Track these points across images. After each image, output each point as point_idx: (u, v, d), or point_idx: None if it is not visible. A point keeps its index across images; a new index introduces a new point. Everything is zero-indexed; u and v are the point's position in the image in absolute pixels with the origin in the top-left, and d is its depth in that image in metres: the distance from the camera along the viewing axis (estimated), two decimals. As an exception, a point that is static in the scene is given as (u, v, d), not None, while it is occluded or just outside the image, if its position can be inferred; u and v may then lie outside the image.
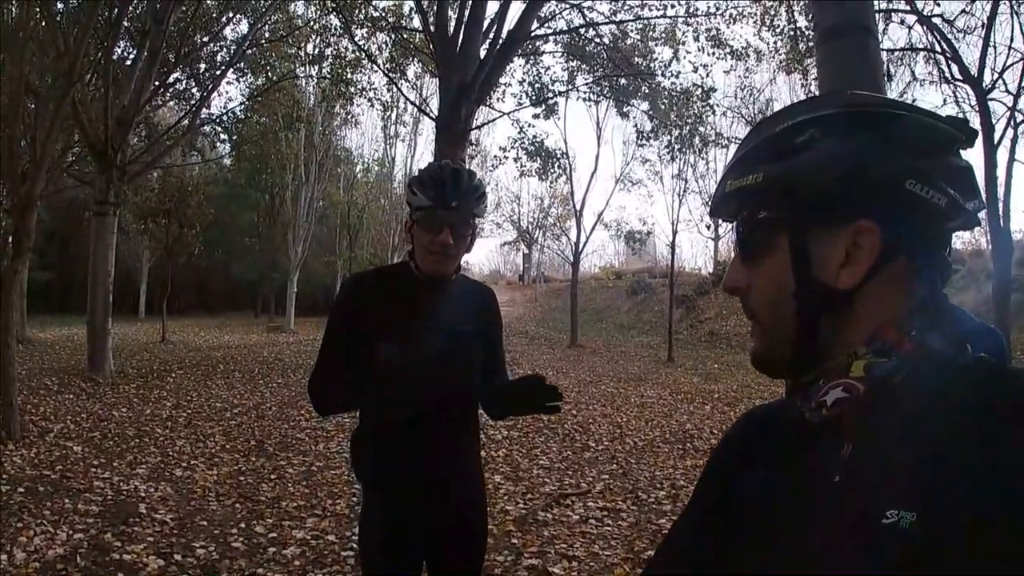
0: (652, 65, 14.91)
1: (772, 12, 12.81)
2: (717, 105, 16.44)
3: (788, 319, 0.77)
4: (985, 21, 10.88)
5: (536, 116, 18.70)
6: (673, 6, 13.75)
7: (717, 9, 13.83)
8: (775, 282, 0.78)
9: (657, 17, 14.10)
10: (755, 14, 13.46)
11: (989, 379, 0.68)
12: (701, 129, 17.47)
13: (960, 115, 0.76)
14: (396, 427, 2.10)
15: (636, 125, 19.71)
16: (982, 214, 0.76)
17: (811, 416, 0.76)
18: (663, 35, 14.77)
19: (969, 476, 0.61)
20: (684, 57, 14.70)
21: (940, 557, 0.60)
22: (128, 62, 14.22)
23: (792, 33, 12.51)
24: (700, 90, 14.88)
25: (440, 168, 2.16)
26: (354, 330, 2.14)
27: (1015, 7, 11.31)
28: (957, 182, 0.73)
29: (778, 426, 0.85)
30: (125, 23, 13.28)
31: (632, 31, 14.92)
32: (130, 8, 13.27)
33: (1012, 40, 11.80)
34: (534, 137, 19.15)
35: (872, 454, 0.70)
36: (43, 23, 9.40)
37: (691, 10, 13.90)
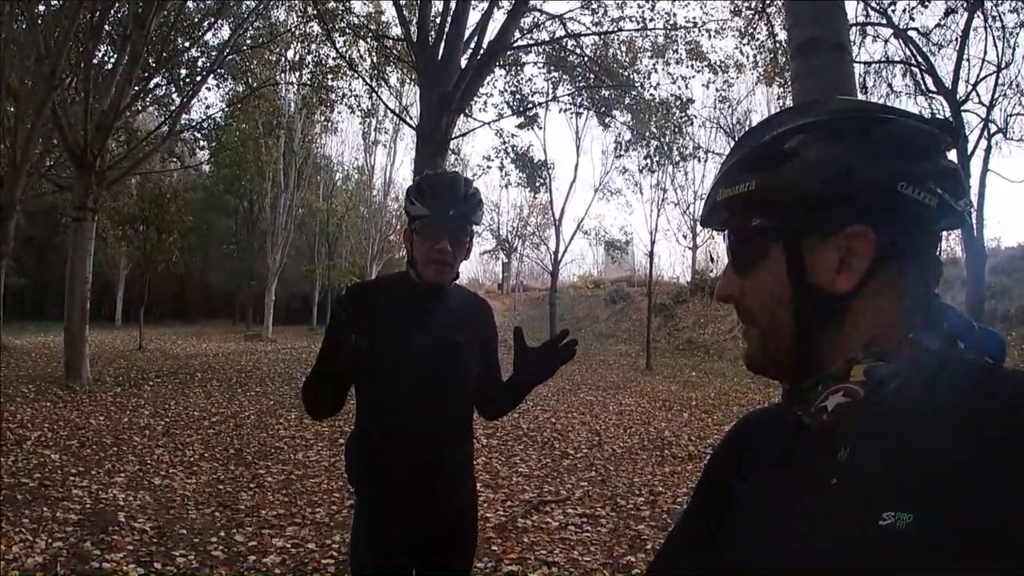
0: (634, 77, 14.95)
1: (753, 26, 12.95)
2: (695, 116, 16.50)
3: (785, 325, 0.78)
4: (959, 35, 11.13)
5: (519, 126, 18.68)
6: (652, 20, 13.87)
7: (697, 21, 13.96)
8: (770, 289, 0.78)
9: (638, 30, 14.18)
10: (735, 28, 13.61)
11: (985, 379, 0.68)
12: (680, 140, 17.44)
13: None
14: (391, 432, 2.13)
15: (617, 137, 19.61)
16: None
17: (810, 422, 0.76)
18: (650, 47, 14.83)
19: (966, 476, 0.61)
20: (663, 69, 14.70)
21: (938, 558, 0.60)
22: (109, 66, 14.14)
23: (772, 46, 12.66)
24: (679, 101, 14.91)
25: (437, 178, 2.22)
26: (352, 337, 2.16)
27: (988, 21, 11.54)
28: (946, 183, 0.74)
29: (775, 430, 0.85)
30: (106, 27, 13.23)
31: (615, 43, 15.00)
32: (112, 12, 13.23)
33: (985, 53, 12.04)
34: (515, 147, 19.19)
35: (869, 457, 0.70)
36: (24, 25, 9.33)
37: (671, 23, 14.01)
